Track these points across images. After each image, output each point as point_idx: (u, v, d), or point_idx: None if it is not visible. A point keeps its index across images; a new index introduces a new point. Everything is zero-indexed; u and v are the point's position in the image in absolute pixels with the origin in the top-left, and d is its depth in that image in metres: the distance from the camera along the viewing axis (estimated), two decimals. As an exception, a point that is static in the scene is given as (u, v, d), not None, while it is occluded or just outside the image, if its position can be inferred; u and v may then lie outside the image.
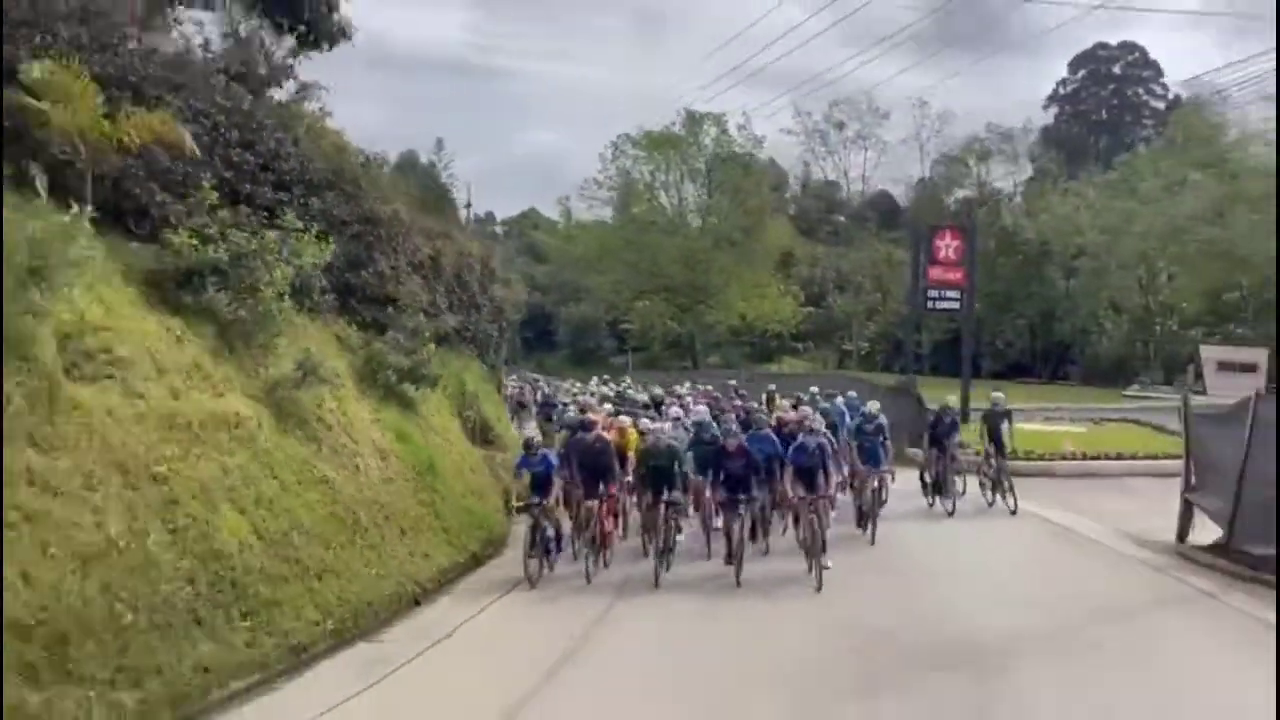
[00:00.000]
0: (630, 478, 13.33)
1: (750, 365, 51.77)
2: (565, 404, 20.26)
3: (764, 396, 20.27)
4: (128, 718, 6.08)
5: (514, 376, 30.16)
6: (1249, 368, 22.77)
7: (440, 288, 15.96)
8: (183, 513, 7.32)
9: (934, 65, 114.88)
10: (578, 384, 30.85)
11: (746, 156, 57.41)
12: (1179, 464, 13.96)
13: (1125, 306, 48.93)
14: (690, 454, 13.04)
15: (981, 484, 15.57)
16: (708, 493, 12.66)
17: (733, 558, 11.42)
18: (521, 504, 12.11)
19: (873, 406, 15.14)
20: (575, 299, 62.05)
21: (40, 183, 7.96)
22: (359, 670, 7.96)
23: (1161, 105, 71.09)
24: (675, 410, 16.03)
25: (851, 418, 15.58)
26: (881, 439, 14.47)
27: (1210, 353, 28.38)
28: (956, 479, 15.32)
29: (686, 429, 14.21)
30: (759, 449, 12.34)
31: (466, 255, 17.85)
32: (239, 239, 9.52)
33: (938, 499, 15.33)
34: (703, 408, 16.36)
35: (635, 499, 13.35)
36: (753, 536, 12.32)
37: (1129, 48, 73.40)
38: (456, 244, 17.65)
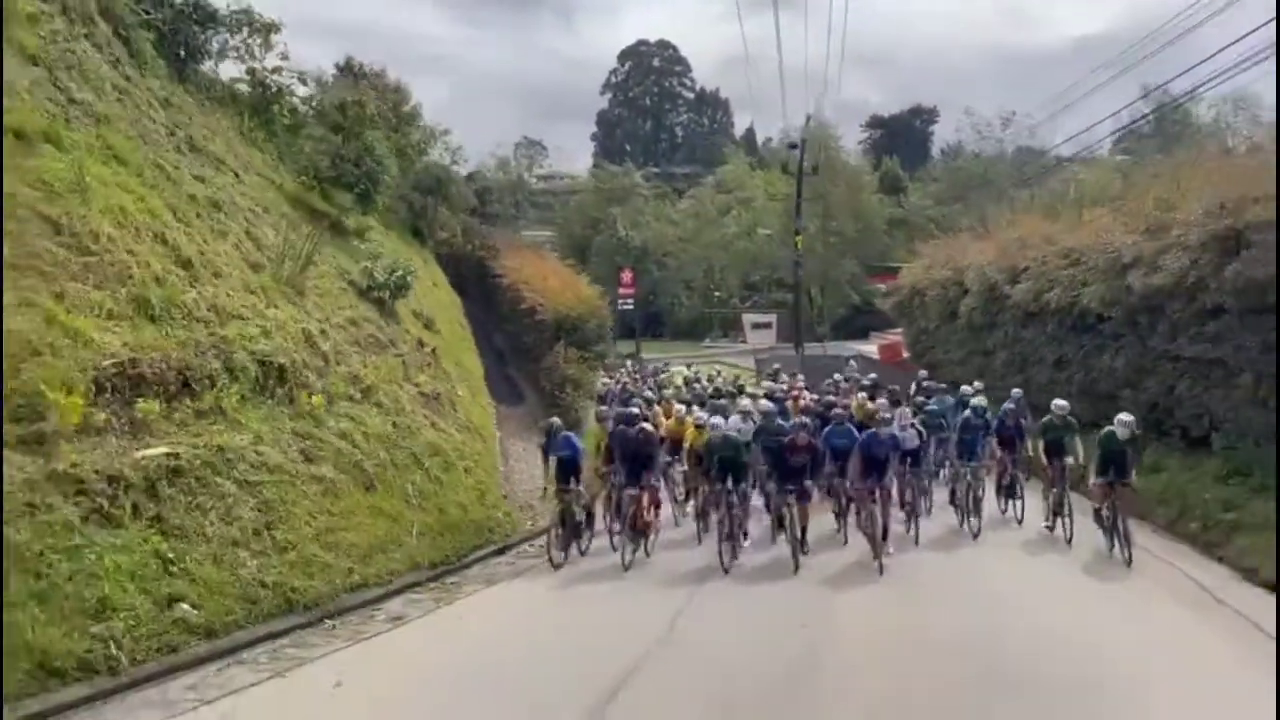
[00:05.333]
0: (685, 467, 13.54)
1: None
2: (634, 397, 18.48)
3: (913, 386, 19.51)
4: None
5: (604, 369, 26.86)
6: (767, 325, 50.00)
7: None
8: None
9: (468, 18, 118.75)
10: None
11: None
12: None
13: (695, 288, 73.81)
14: (757, 445, 12.89)
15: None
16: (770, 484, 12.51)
17: (787, 539, 11.57)
18: (551, 489, 11.83)
19: (978, 402, 14.52)
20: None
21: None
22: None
23: (691, 95, 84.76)
24: (744, 403, 15.67)
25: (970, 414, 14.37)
26: (983, 434, 13.85)
27: (747, 317, 54.77)
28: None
29: (754, 421, 13.90)
30: (840, 443, 12.54)
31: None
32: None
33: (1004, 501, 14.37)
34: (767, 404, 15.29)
35: (689, 488, 13.80)
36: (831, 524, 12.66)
37: (665, 45, 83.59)
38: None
